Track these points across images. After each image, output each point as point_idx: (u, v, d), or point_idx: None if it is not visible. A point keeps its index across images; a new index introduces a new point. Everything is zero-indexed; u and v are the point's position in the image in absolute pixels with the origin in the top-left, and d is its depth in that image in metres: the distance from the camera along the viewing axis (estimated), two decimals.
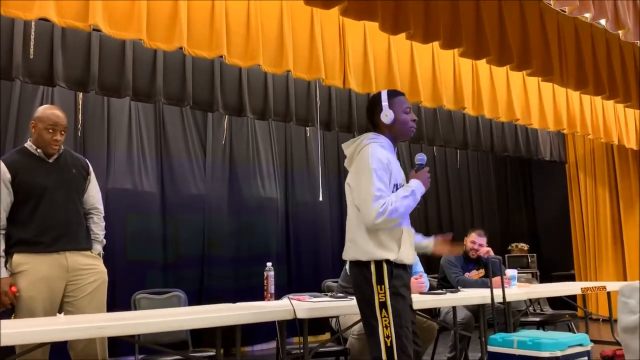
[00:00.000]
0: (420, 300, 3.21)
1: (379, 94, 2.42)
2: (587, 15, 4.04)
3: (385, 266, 2.19)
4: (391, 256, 2.20)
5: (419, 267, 3.74)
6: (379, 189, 2.19)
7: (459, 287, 3.90)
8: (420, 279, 3.52)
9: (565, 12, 4.15)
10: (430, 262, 5.78)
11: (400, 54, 4.46)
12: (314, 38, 4.03)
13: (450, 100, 4.79)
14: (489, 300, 3.17)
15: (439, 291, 3.54)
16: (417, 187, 2.29)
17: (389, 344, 2.14)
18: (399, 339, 2.14)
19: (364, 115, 5.18)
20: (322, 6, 3.45)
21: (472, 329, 3.90)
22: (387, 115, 2.34)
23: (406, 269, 2.30)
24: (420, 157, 2.42)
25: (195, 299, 4.77)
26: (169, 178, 5.14)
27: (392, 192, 2.25)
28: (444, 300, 3.44)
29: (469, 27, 3.85)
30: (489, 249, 4.22)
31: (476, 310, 3.78)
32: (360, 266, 2.23)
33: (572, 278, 7.40)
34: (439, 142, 5.85)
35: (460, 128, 5.99)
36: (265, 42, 3.84)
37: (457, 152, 7.40)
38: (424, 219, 7.04)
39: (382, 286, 2.17)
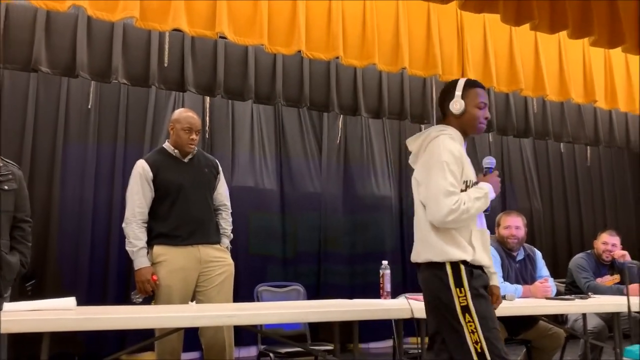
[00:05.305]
0: (545, 306, 3.04)
1: (454, 82, 2.23)
2: None
3: (462, 267, 2.03)
4: (467, 257, 2.04)
5: (545, 271, 3.54)
6: (452, 184, 2.02)
7: (589, 293, 3.63)
8: (546, 283, 3.32)
9: None
10: (555, 266, 5.44)
11: (523, 46, 4.26)
12: (430, 34, 3.97)
13: (580, 93, 4.49)
14: (625, 309, 2.91)
15: (568, 297, 3.32)
16: (489, 190, 2.11)
17: (479, 350, 1.98)
18: (490, 343, 1.98)
19: None
20: (440, 1, 3.39)
21: (605, 339, 3.61)
22: (456, 105, 2.16)
23: (484, 270, 2.12)
24: (489, 161, 2.22)
25: (313, 294, 4.90)
26: (287, 177, 5.33)
27: (464, 190, 2.08)
28: (573, 306, 3.22)
29: (601, 13, 3.58)
30: (625, 252, 3.88)
31: (610, 319, 3.49)
32: (434, 268, 2.06)
33: None
34: (566, 138, 5.50)
35: (590, 123, 5.57)
36: (380, 41, 3.87)
37: (587, 149, 6.87)
38: (550, 223, 6.61)
39: (462, 289, 2.01)
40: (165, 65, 3.95)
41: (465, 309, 2.00)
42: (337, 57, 3.86)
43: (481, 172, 2.23)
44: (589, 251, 4.09)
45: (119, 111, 4.60)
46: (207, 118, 4.89)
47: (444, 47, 4.00)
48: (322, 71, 4.43)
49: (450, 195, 2.01)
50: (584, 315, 3.48)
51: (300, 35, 3.66)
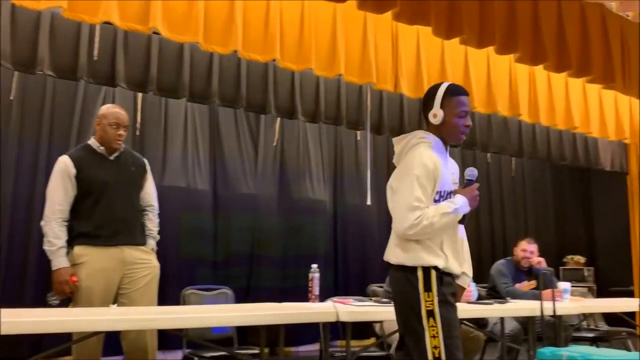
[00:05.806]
0: (467, 310, 3.15)
1: (436, 87, 2.17)
2: None
3: (433, 273, 2.06)
4: (440, 263, 2.08)
5: None
6: (418, 199, 2.03)
7: (507, 298, 3.81)
8: (468, 287, 3.45)
9: (628, 17, 3.99)
10: (479, 271, 5.66)
11: (453, 59, 4.41)
12: (366, 42, 4.04)
13: (505, 106, 4.70)
14: (538, 313, 3.08)
15: (487, 301, 3.47)
16: (461, 205, 2.10)
17: (437, 355, 2.00)
18: (449, 351, 2.01)
19: (415, 119, 5.14)
20: (375, 11, 3.46)
21: (521, 341, 3.80)
22: (435, 115, 2.13)
23: (453, 278, 2.18)
24: (471, 172, 2.19)
25: (242, 297, 4.86)
26: (221, 177, 5.26)
27: (438, 200, 2.10)
28: (492, 310, 3.36)
29: (526, 31, 3.77)
30: (542, 259, 4.10)
31: (525, 322, 3.68)
32: (405, 271, 2.08)
33: (631, 294, 7.04)
34: (493, 149, 5.72)
35: (515, 135, 5.84)
36: (317, 46, 3.89)
37: (511, 160, 7.21)
38: (475, 228, 6.89)
39: (430, 293, 2.03)
40: (95, 58, 3.79)
41: (430, 314, 2.03)
42: (274, 60, 3.86)
43: (461, 184, 2.22)
44: (509, 258, 4.28)
45: (44, 105, 4.39)
46: (139, 115, 4.74)
47: (379, 55, 4.08)
48: (260, 72, 4.39)
49: (414, 210, 2.03)
50: (502, 319, 3.65)
51: (237, 35, 3.63)
